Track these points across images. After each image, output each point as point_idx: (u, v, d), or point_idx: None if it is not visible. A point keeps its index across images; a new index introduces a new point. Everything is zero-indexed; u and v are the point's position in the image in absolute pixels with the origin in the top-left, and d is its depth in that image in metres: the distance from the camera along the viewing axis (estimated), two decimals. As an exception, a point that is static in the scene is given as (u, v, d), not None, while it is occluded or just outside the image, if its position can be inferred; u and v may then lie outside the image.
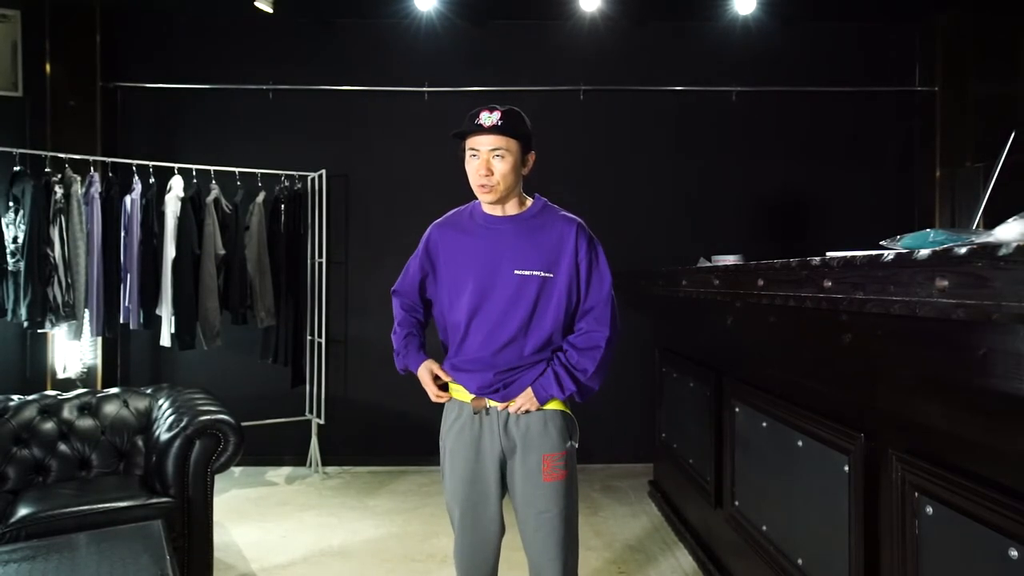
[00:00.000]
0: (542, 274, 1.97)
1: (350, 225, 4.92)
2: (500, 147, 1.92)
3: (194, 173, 4.31)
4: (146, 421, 3.06)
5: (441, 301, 2.09)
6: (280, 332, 4.57)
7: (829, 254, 1.73)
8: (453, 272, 2.04)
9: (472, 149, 1.95)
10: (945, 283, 1.24)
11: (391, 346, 2.19)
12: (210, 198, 4.26)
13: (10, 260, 3.87)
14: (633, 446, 4.73)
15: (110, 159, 4.26)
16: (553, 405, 2.00)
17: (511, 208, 2.02)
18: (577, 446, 2.07)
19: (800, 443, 2.14)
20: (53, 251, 3.87)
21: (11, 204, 3.90)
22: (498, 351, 1.98)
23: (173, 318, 4.18)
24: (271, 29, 4.79)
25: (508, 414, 1.99)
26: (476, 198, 2.05)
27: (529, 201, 2.06)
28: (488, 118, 1.91)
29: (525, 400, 1.96)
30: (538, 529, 2.00)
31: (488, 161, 1.92)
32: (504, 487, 2.05)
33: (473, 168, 1.95)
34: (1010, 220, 1.34)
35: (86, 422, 3.01)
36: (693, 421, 3.31)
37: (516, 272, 1.96)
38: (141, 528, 2.21)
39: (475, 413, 2.01)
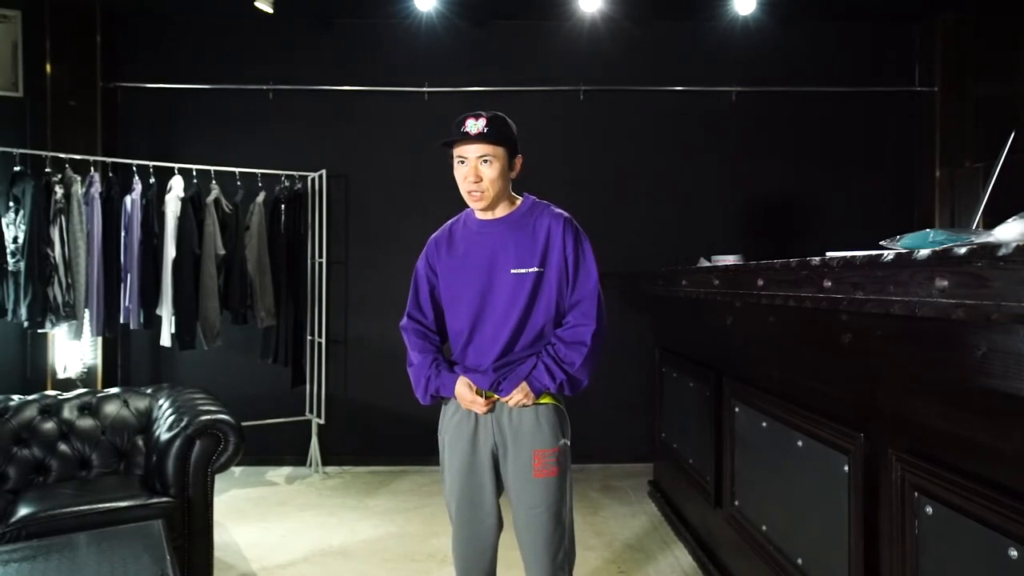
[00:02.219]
0: (536, 270, 2.02)
1: (350, 225, 4.91)
2: (487, 154, 1.97)
3: (194, 173, 4.31)
4: (146, 421, 3.06)
5: (444, 310, 2.14)
6: (280, 332, 4.57)
7: (829, 254, 1.73)
8: (453, 281, 2.10)
9: (460, 156, 2.00)
10: (945, 283, 1.24)
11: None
12: (210, 198, 4.26)
13: (10, 260, 3.87)
14: (633, 446, 4.72)
15: (110, 159, 4.26)
16: (545, 399, 2.04)
17: (501, 211, 2.08)
18: (569, 442, 2.09)
19: (800, 443, 2.14)
20: (53, 251, 3.87)
21: (11, 204, 3.90)
22: (499, 349, 2.02)
23: (173, 318, 4.18)
24: (271, 29, 4.79)
25: (502, 408, 2.03)
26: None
27: (518, 201, 2.12)
28: (474, 125, 1.95)
29: (521, 395, 1.99)
30: (527, 525, 2.03)
31: (476, 168, 1.97)
32: (500, 481, 2.08)
33: (462, 175, 2.01)
34: (1010, 220, 1.34)
35: (86, 422, 3.01)
36: (693, 421, 3.30)
37: (512, 271, 2.02)
38: (141, 528, 2.21)
39: (490, 412, 2.04)
